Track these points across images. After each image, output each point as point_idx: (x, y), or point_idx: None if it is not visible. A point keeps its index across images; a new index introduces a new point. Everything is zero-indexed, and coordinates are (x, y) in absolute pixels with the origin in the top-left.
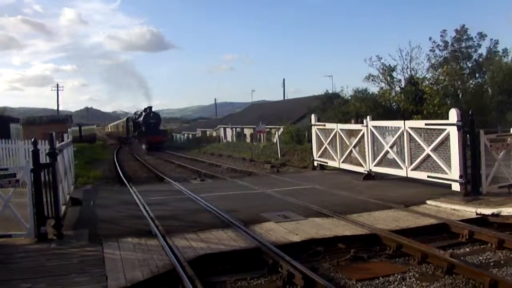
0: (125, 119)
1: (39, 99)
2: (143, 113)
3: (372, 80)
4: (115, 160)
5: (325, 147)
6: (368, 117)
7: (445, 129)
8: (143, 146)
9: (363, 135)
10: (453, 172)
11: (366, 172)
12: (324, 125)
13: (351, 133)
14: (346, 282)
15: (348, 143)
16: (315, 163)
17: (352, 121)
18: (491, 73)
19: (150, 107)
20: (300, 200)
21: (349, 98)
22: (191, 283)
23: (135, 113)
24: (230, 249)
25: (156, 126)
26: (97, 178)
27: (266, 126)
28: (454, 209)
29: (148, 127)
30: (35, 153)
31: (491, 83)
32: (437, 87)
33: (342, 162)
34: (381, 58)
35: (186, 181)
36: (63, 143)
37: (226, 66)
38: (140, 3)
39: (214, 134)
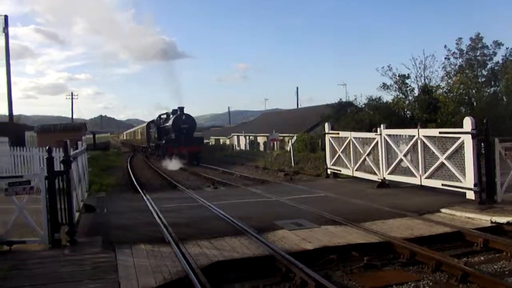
0: (144, 124)
1: (53, 107)
2: (172, 116)
3: (386, 89)
4: (129, 167)
5: (339, 155)
6: (382, 125)
7: (460, 137)
8: (172, 161)
9: (376, 143)
10: (468, 180)
11: (380, 180)
12: (338, 133)
13: (364, 141)
14: None
15: (361, 151)
16: (329, 171)
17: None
18: (506, 81)
19: (182, 108)
20: (313, 208)
21: (363, 106)
22: None
23: (160, 116)
24: (243, 257)
25: (190, 133)
26: (111, 185)
27: (280, 134)
28: (468, 218)
29: (180, 134)
30: (50, 161)
31: (506, 92)
32: (451, 96)
33: (356, 170)
34: (391, 68)
35: (199, 189)
36: (77, 150)
37: (239, 75)
38: (154, 13)
39: (228, 142)
